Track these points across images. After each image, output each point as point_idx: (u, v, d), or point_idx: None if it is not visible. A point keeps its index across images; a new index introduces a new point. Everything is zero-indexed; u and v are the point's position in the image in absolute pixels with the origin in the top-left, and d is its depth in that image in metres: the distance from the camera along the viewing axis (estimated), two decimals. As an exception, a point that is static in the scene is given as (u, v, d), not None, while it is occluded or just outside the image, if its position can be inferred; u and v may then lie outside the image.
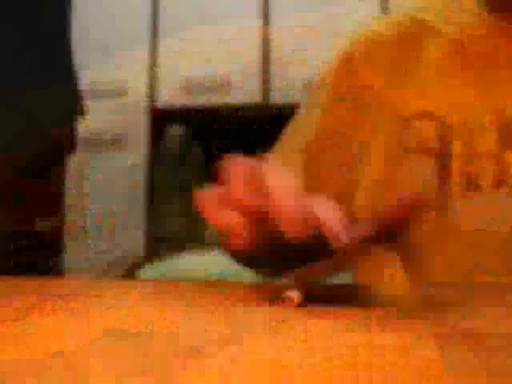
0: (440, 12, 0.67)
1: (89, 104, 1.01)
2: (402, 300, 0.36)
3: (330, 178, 0.65)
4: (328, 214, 0.39)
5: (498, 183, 0.57)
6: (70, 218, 1.71)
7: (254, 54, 2.18)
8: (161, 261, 1.82)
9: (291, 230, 0.38)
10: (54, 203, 0.93)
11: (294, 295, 0.35)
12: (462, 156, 0.59)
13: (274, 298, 0.37)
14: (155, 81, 2.24)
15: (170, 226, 2.16)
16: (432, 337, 0.26)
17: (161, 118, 2.22)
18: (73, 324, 0.28)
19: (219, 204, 0.43)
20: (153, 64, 2.24)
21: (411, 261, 0.55)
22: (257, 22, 2.19)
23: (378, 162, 0.63)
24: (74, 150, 0.97)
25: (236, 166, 0.43)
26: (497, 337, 0.27)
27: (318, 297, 0.37)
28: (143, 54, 2.24)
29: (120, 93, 2.24)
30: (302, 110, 0.72)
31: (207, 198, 0.44)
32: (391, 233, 0.42)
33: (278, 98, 2.15)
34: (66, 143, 0.95)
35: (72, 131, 0.95)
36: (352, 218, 0.41)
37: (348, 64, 0.68)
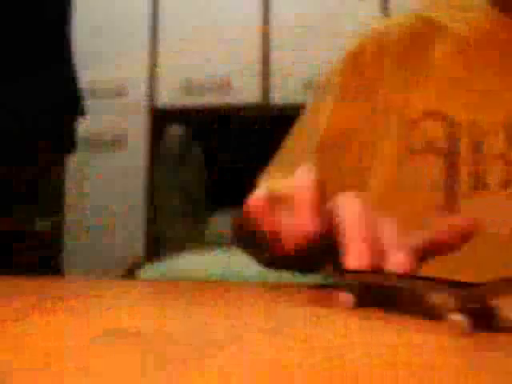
0: (447, 10, 0.67)
1: (89, 104, 1.01)
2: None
3: (339, 178, 0.65)
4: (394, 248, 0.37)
5: (506, 183, 0.57)
6: (70, 217, 1.72)
7: (254, 54, 2.18)
8: (161, 261, 1.82)
9: (356, 260, 0.37)
10: (53, 203, 0.94)
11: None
12: (470, 155, 0.58)
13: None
14: (155, 81, 2.24)
15: (170, 226, 2.16)
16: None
17: (161, 118, 2.22)
18: (73, 324, 0.28)
19: (273, 207, 0.42)
20: (153, 64, 2.24)
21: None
22: (257, 22, 2.19)
23: (387, 162, 0.62)
24: (74, 150, 0.97)
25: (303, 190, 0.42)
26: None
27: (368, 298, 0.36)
28: (143, 54, 2.24)
29: (120, 93, 2.24)
30: (308, 111, 0.71)
31: (261, 201, 0.43)
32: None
33: (277, 98, 2.15)
34: (66, 143, 0.95)
35: (72, 131, 0.95)
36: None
37: (355, 63, 0.67)
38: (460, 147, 0.59)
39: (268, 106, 2.16)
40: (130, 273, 1.88)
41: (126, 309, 0.35)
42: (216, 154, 2.15)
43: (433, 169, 0.59)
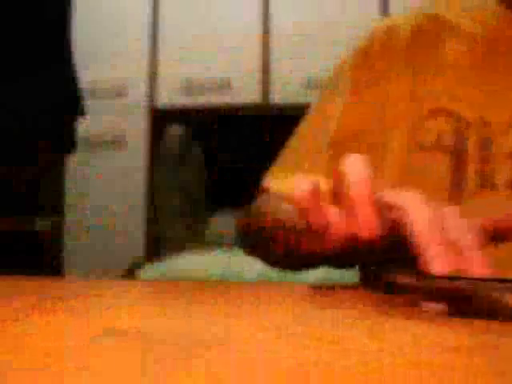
0: (455, 8, 0.66)
1: (89, 104, 1.01)
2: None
3: None
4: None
5: None
6: (70, 217, 1.72)
7: (254, 55, 2.18)
8: (161, 261, 1.82)
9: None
10: (53, 203, 0.94)
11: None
12: (478, 153, 0.58)
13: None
14: (155, 81, 2.24)
15: (170, 226, 2.16)
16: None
17: (161, 118, 2.22)
18: (73, 324, 0.28)
19: (319, 202, 0.41)
20: (153, 64, 2.24)
21: None
22: (257, 30, 2.19)
23: (396, 160, 0.62)
24: (74, 150, 0.97)
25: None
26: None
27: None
28: (143, 54, 2.24)
29: (120, 93, 2.24)
30: (314, 111, 0.70)
31: (309, 195, 0.42)
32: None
33: (277, 98, 2.15)
34: (66, 143, 0.95)
35: (72, 131, 0.95)
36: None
37: (365, 57, 0.67)
38: (468, 145, 0.58)
39: (268, 106, 2.17)
40: (130, 273, 1.88)
41: (126, 308, 0.35)
42: (216, 154, 2.15)
43: (440, 166, 0.59)
